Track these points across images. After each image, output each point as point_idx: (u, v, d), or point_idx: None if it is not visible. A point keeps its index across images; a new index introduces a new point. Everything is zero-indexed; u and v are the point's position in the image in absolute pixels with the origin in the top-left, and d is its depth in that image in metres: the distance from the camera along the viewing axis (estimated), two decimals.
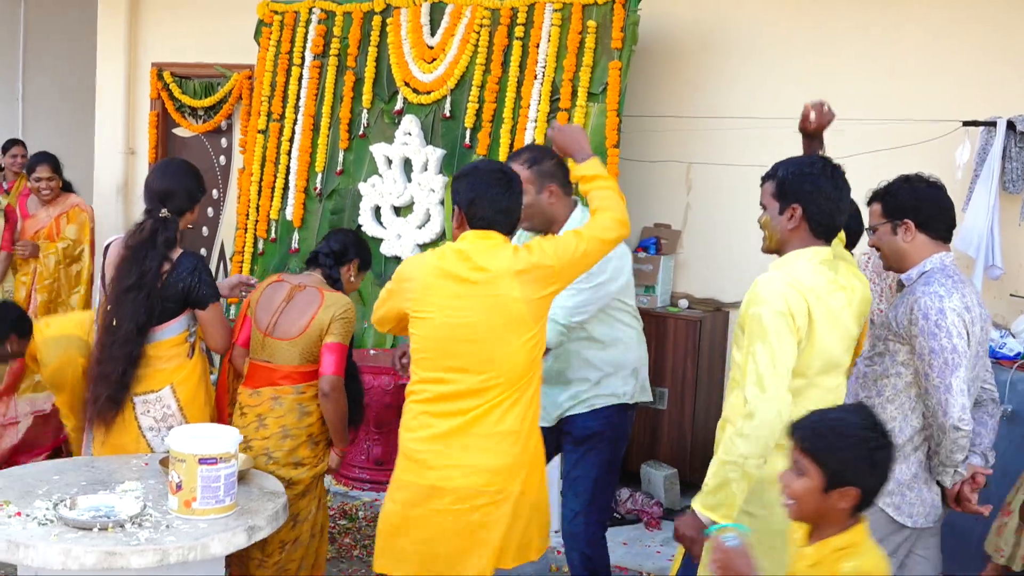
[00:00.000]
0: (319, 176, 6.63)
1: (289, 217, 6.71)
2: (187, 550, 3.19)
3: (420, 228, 6.19)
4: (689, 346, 5.99)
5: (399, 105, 6.38)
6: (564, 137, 3.61)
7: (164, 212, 3.97)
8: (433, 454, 3.27)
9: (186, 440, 3.38)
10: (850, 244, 3.70)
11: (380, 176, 6.37)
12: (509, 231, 3.35)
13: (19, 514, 3.31)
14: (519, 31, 6.01)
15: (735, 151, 6.01)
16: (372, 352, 6.13)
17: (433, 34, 6.35)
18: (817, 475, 2.49)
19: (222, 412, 4.21)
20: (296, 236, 6.67)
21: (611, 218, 3.37)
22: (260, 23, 6.99)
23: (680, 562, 3.37)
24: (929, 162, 4.85)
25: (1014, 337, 4.91)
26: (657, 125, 6.27)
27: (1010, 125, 5.16)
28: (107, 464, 3.82)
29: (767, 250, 3.23)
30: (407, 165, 6.31)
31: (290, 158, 6.75)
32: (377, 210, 6.39)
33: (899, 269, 3.36)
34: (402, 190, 6.27)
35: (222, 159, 7.91)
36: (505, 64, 6.06)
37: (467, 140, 6.12)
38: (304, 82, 6.75)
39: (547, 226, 3.89)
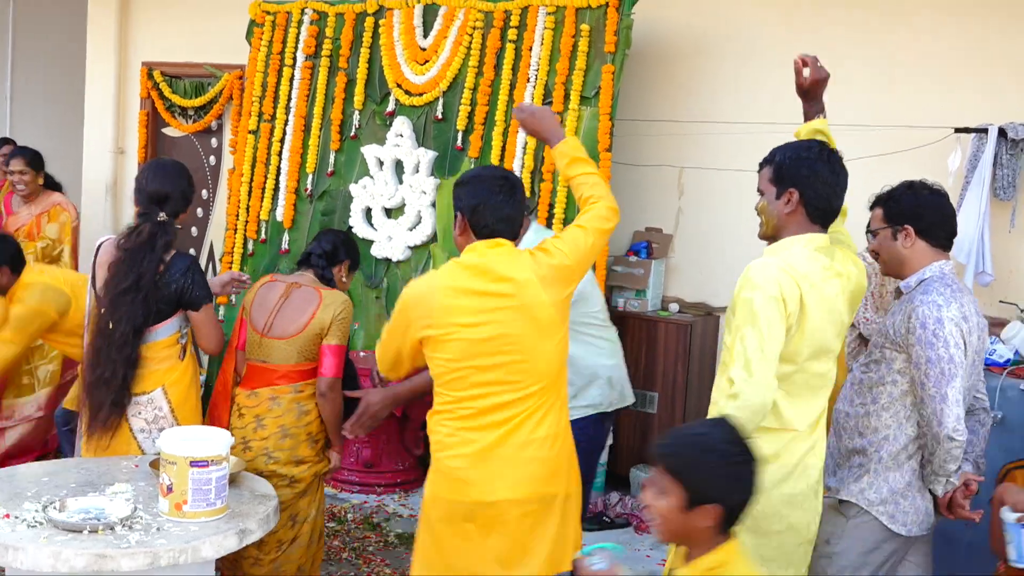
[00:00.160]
0: (310, 177, 6.61)
1: (279, 218, 6.69)
2: (178, 553, 3.17)
3: (411, 230, 6.18)
4: (680, 350, 5.99)
5: (391, 107, 6.37)
6: (535, 120, 3.54)
7: (162, 216, 3.94)
8: (476, 470, 3.20)
9: (177, 442, 3.35)
10: None
11: (371, 178, 6.35)
12: (513, 237, 3.33)
13: (8, 516, 3.28)
14: (512, 34, 6.01)
15: (727, 156, 6.02)
16: (363, 355, 6.11)
17: (426, 36, 6.35)
18: (678, 493, 2.41)
19: (223, 414, 4.18)
20: (286, 237, 6.65)
21: (607, 207, 3.36)
22: (252, 23, 6.97)
23: None
24: (921, 169, 4.85)
25: (1004, 343, 4.92)
26: (650, 129, 6.27)
27: (1001, 132, 5.17)
28: (97, 466, 3.80)
29: (763, 236, 3.22)
30: (399, 167, 6.30)
31: (281, 159, 6.73)
32: (368, 212, 6.37)
33: (898, 275, 3.37)
34: (393, 192, 6.26)
35: (212, 159, 7.88)
36: (498, 67, 6.05)
37: (459, 142, 6.12)
38: (295, 83, 6.73)
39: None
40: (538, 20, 5.95)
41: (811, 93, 3.43)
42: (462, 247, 3.35)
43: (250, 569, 4.05)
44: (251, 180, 6.83)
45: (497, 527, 3.21)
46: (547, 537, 3.25)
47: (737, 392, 2.90)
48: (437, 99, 6.22)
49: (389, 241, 6.24)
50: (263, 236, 6.76)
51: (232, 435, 3.93)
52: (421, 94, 6.26)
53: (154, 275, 3.86)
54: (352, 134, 6.49)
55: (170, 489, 3.33)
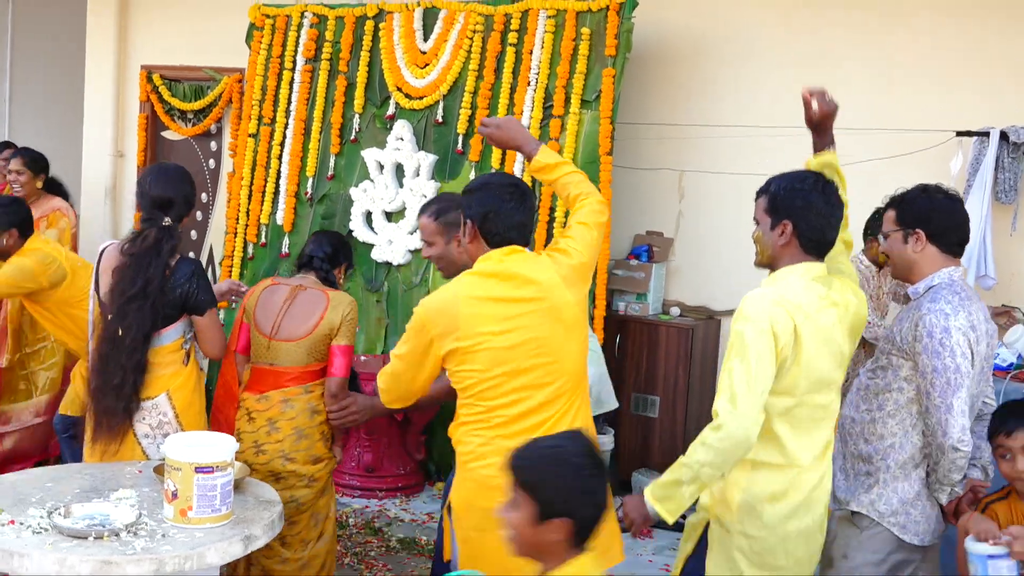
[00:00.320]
0: (310, 181, 6.60)
1: (280, 222, 6.68)
2: (183, 559, 3.15)
3: (411, 234, 6.17)
4: (681, 354, 5.99)
5: (391, 110, 6.37)
6: (503, 133, 3.51)
7: (166, 220, 3.94)
8: None
9: (182, 448, 3.34)
10: None
11: (372, 181, 6.35)
12: (525, 244, 3.32)
13: (12, 522, 3.26)
14: (512, 37, 6.01)
15: (728, 159, 6.02)
16: (363, 359, 6.10)
17: (426, 39, 6.35)
18: (529, 506, 2.40)
19: (227, 419, 4.18)
20: (287, 241, 6.65)
21: (598, 201, 3.39)
22: (252, 26, 6.97)
23: (680, 569, 3.36)
24: (923, 172, 4.86)
25: (1007, 347, 4.92)
26: (650, 133, 6.27)
27: (1003, 136, 5.19)
28: (101, 471, 3.78)
29: (760, 264, 3.22)
30: (399, 170, 6.29)
31: (281, 162, 6.73)
32: (368, 215, 6.37)
33: (906, 279, 3.34)
34: (394, 195, 6.26)
35: (211, 162, 7.87)
36: (498, 70, 6.05)
37: (459, 146, 6.12)
38: (295, 86, 6.73)
39: (461, 272, 3.91)
40: (538, 23, 5.95)
41: (820, 126, 3.39)
42: (472, 254, 3.33)
43: (276, 566, 4.07)
44: (251, 184, 6.82)
45: None
46: None
47: (720, 424, 2.93)
48: (437, 103, 6.22)
49: (389, 245, 6.24)
50: (263, 240, 6.76)
51: (242, 439, 3.93)
52: (421, 97, 6.26)
53: (161, 280, 3.85)
54: (352, 138, 6.49)
55: (175, 495, 3.31)
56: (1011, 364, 4.81)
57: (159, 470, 3.58)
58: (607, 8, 5.75)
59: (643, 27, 5.91)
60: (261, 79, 6.86)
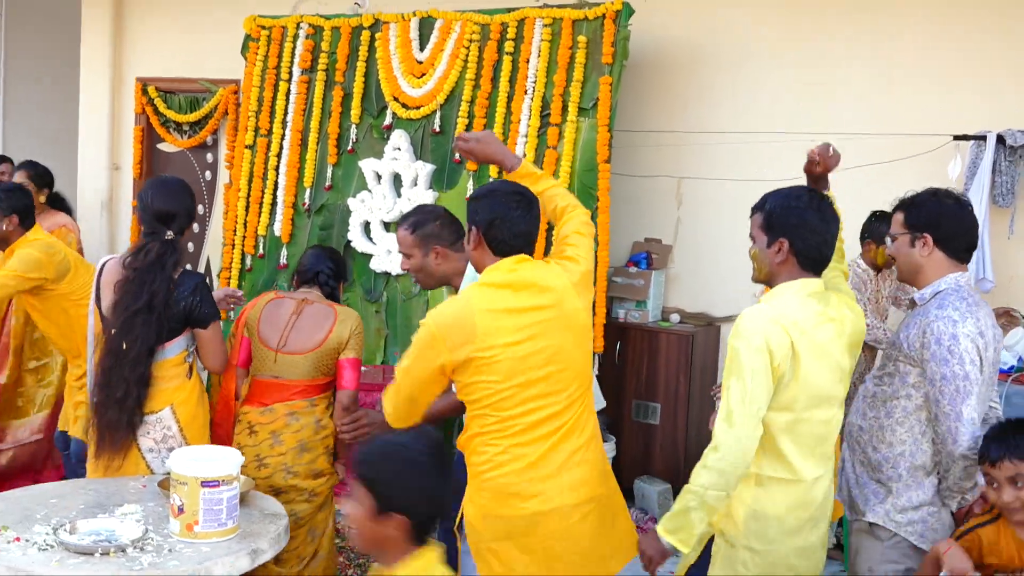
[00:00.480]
0: (307, 191, 6.59)
1: (277, 233, 6.67)
2: (190, 574, 3.15)
3: None
4: (681, 361, 5.99)
5: (388, 120, 6.36)
6: (482, 147, 3.53)
7: (169, 234, 3.93)
8: (529, 482, 3.16)
9: (188, 463, 3.34)
10: None
11: (369, 191, 6.34)
12: (530, 253, 3.32)
13: (18, 539, 3.25)
14: (509, 46, 6.00)
15: (726, 166, 6.03)
16: (363, 369, 6.08)
17: (422, 49, 6.34)
18: (367, 500, 2.43)
19: (228, 432, 4.18)
20: (284, 252, 6.64)
21: (584, 213, 3.44)
22: (247, 37, 6.95)
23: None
24: (921, 176, 4.88)
25: (1007, 350, 4.93)
26: (648, 140, 6.28)
27: (1000, 139, 5.20)
28: (105, 487, 3.77)
29: (757, 280, 3.23)
30: (396, 180, 6.29)
31: (278, 173, 6.71)
32: (367, 225, 6.36)
33: (912, 283, 3.33)
34: (392, 205, 6.25)
35: (207, 174, 7.86)
36: (495, 79, 6.05)
37: (457, 155, 6.11)
38: (292, 97, 6.71)
39: (440, 284, 3.93)
40: (535, 32, 5.94)
41: (819, 177, 3.40)
42: (476, 261, 3.33)
43: None
44: (248, 195, 6.80)
45: (558, 534, 3.19)
46: (601, 536, 3.27)
47: (717, 444, 2.95)
48: (434, 112, 6.21)
49: (388, 255, 6.23)
50: (261, 251, 6.74)
51: (243, 453, 3.93)
52: (418, 107, 6.25)
53: (166, 295, 3.85)
54: (349, 148, 6.48)
55: (181, 510, 3.31)
56: (1012, 367, 4.82)
57: (164, 484, 3.58)
58: (603, 16, 5.74)
59: (640, 35, 5.92)
60: (257, 90, 6.84)
